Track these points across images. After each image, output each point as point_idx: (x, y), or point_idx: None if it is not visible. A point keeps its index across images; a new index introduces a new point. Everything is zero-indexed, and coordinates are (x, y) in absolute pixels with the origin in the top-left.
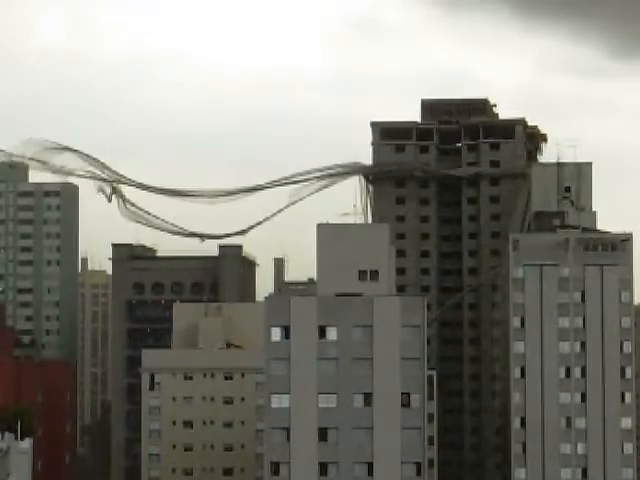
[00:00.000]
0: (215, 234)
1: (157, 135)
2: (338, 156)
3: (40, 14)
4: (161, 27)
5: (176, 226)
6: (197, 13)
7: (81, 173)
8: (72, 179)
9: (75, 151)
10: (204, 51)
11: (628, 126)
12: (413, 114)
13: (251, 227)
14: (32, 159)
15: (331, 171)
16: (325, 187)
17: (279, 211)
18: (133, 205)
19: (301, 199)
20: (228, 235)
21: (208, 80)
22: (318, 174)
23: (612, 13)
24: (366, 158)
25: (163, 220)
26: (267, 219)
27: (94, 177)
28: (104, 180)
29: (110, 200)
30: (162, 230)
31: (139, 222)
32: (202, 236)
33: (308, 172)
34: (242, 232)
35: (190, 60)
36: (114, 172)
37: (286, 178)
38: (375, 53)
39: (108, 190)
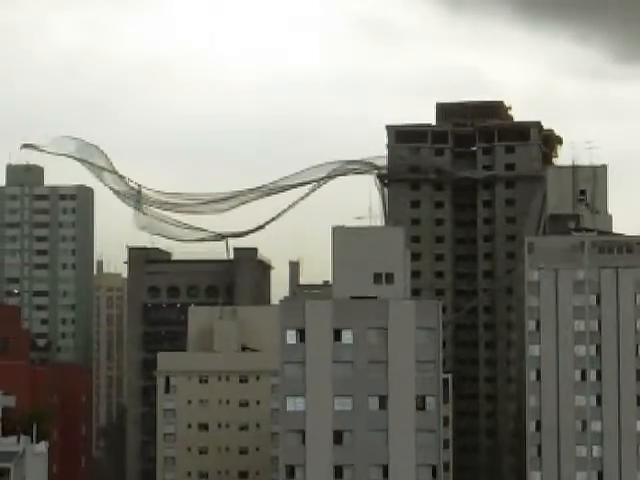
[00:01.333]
0: (235, 232)
1: (170, 135)
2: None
3: (56, 15)
4: (173, 29)
5: (197, 228)
6: (212, 13)
7: (109, 174)
8: (89, 183)
9: (101, 152)
10: (217, 52)
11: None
12: (420, 115)
13: (270, 221)
14: (72, 157)
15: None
16: (338, 175)
17: (299, 200)
18: (147, 213)
19: (319, 186)
20: (248, 232)
21: (221, 81)
22: (322, 174)
23: (614, 16)
24: (380, 161)
25: (180, 222)
26: (285, 211)
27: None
28: (129, 188)
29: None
30: (183, 240)
31: (158, 234)
32: (224, 236)
33: (314, 168)
34: (260, 227)
35: (205, 61)
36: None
37: (295, 176)
38: (381, 55)
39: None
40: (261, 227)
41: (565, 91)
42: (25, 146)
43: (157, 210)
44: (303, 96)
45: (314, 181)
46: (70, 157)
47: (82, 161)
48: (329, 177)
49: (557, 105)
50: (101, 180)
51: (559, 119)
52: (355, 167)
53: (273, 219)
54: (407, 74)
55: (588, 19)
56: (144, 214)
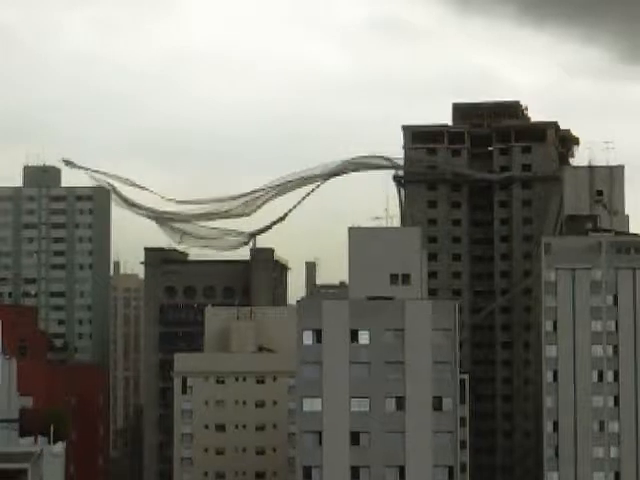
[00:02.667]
0: (258, 229)
1: (188, 139)
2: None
3: (69, 15)
4: (190, 31)
5: (229, 231)
6: (229, 15)
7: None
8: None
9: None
10: (235, 54)
11: None
12: (436, 116)
13: (289, 211)
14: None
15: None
16: (356, 169)
17: (319, 185)
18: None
19: (335, 174)
20: (271, 225)
21: (239, 82)
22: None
23: (619, 15)
24: (398, 160)
25: (210, 229)
26: (304, 199)
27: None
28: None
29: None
30: (219, 248)
31: (194, 245)
32: (253, 234)
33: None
34: (281, 219)
35: (220, 63)
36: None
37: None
38: (392, 56)
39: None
40: (282, 218)
41: (575, 91)
42: (66, 162)
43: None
44: (319, 97)
45: (334, 174)
46: (109, 185)
47: (116, 194)
48: (347, 168)
49: (567, 105)
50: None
51: (570, 119)
52: (372, 161)
53: (294, 208)
54: (420, 75)
55: (593, 19)
56: (172, 229)
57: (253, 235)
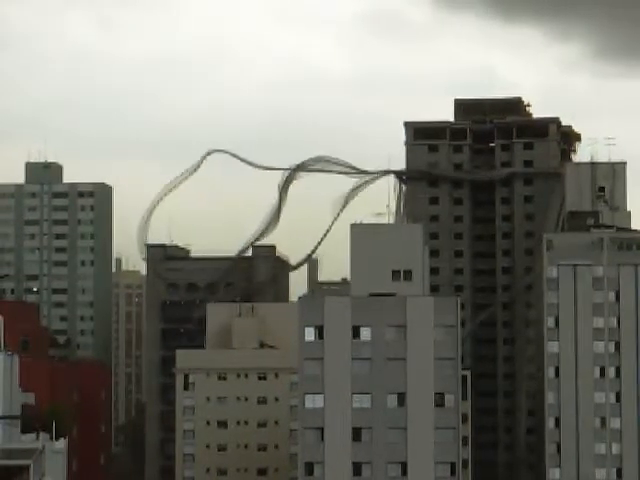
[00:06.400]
0: (299, 262)
1: (187, 135)
2: (366, 155)
3: (68, 13)
4: (187, 29)
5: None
6: (226, 11)
7: None
8: (108, 181)
9: None
10: (233, 50)
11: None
12: (433, 112)
13: (318, 244)
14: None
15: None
16: (361, 188)
17: (342, 209)
18: None
19: (347, 203)
20: (306, 260)
21: (236, 79)
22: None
23: (597, 13)
24: (397, 157)
25: None
26: (328, 231)
27: None
28: None
29: None
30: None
31: None
32: (294, 267)
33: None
34: (314, 250)
35: (218, 60)
36: None
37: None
38: (390, 52)
39: None
40: (315, 250)
41: (565, 87)
42: None
43: None
44: (319, 95)
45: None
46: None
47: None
48: (365, 183)
49: (559, 101)
50: None
51: (563, 116)
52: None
53: (322, 239)
54: (418, 71)
55: (567, 15)
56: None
57: (296, 267)
